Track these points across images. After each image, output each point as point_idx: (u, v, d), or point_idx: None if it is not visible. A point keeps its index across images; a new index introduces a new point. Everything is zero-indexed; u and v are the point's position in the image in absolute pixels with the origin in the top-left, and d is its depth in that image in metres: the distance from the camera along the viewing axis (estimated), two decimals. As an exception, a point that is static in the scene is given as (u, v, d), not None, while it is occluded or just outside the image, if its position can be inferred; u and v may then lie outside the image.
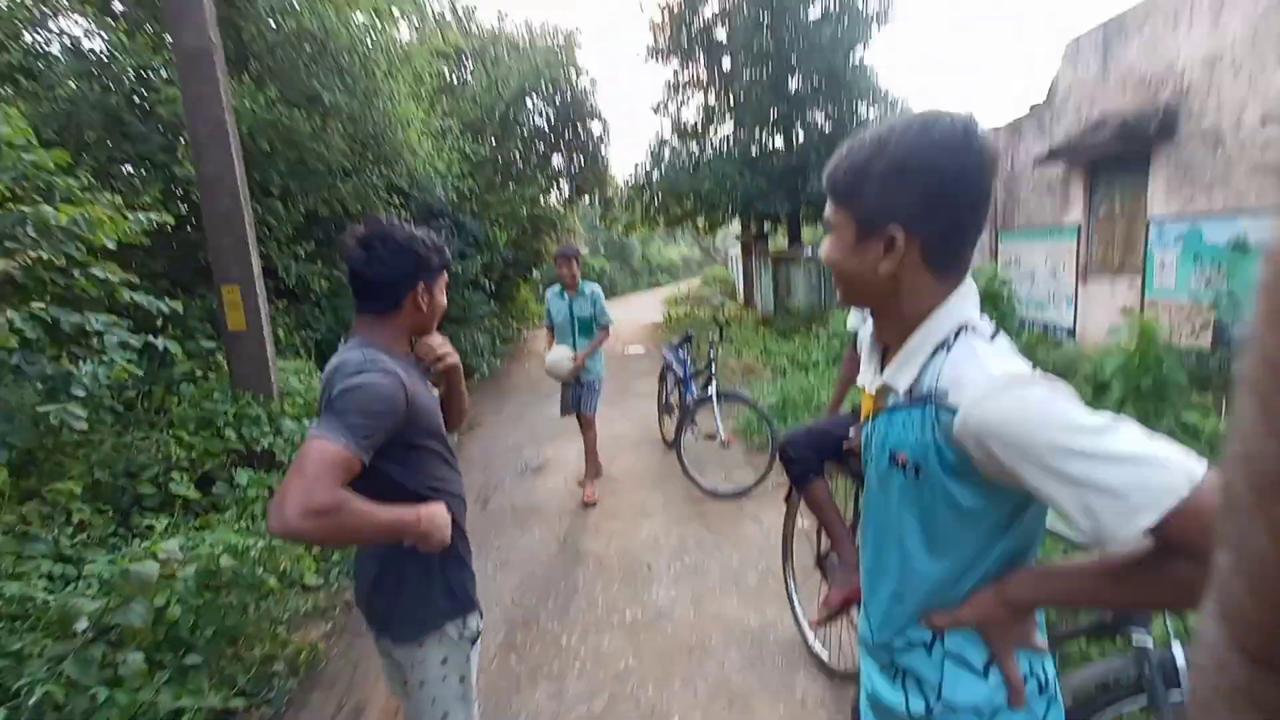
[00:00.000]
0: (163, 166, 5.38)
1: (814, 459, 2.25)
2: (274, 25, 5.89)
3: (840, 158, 0.86)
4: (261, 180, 5.65)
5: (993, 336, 0.82)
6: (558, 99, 13.76)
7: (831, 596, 2.16)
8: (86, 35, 5.61)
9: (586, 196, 15.62)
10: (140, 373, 3.42)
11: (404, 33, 9.47)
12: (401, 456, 1.31)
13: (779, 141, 12.61)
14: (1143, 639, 1.40)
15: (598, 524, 3.94)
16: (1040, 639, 0.86)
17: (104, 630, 2.14)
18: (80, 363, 2.99)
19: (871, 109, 11.89)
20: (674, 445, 4.59)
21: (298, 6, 5.90)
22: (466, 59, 13.26)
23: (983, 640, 0.85)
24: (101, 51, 5.47)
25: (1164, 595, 0.71)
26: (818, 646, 2.53)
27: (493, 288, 10.13)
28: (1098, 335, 6.30)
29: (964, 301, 0.84)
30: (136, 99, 5.48)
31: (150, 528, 3.02)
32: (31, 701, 1.82)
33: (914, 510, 0.85)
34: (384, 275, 1.34)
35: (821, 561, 2.50)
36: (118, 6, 5.78)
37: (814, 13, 11.52)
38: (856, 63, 11.69)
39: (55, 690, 1.85)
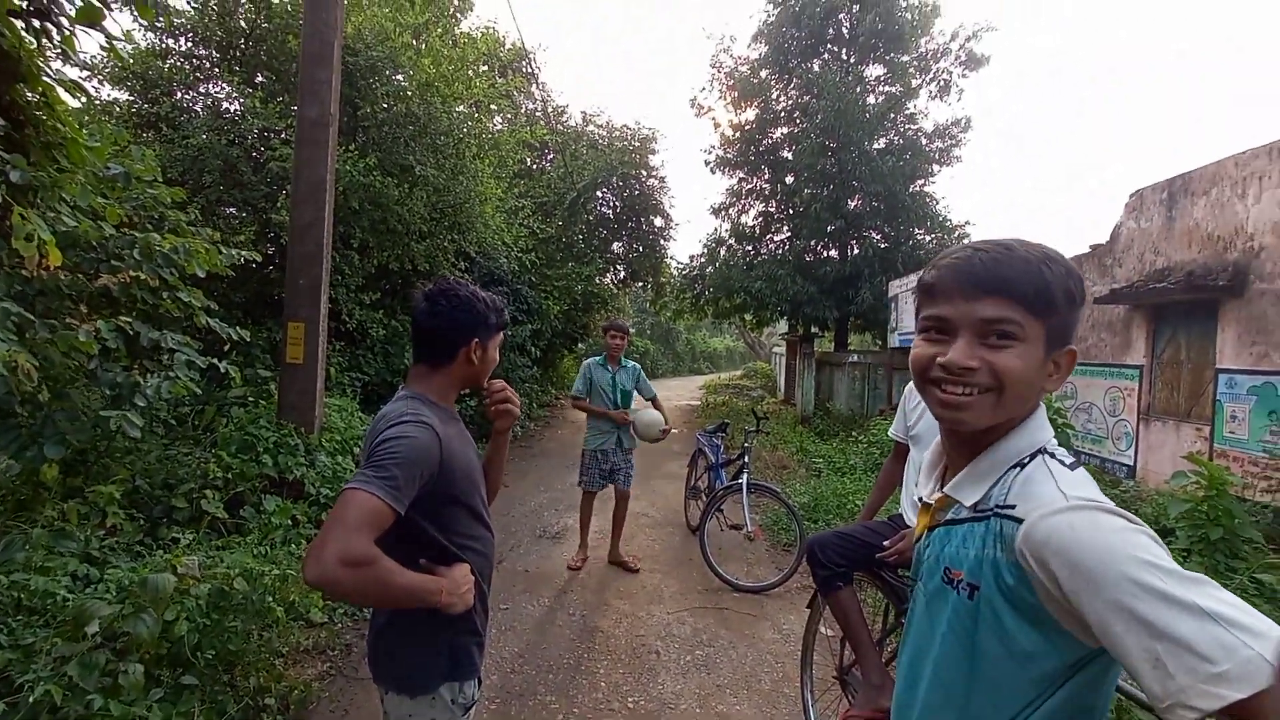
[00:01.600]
0: (261, 211, 5.95)
1: (844, 566, 2.16)
2: (385, 106, 6.61)
3: (1016, 264, 0.76)
4: (344, 233, 6.14)
5: (1074, 466, 0.76)
6: (626, 193, 14.64)
7: (851, 715, 2.00)
8: (227, 99, 6.43)
9: (640, 282, 16.16)
10: (199, 391, 3.60)
11: (497, 123, 10.43)
12: (433, 511, 1.31)
13: (833, 253, 12.95)
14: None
15: (608, 601, 3.79)
16: None
17: (112, 636, 2.15)
18: (148, 375, 3.17)
19: (929, 235, 12.17)
20: (697, 531, 4.45)
21: (410, 94, 6.63)
22: (549, 150, 14.39)
23: None
24: (235, 113, 6.24)
25: None
26: (831, 770, 2.31)
27: (538, 354, 10.40)
28: (1159, 478, 5.96)
29: (1043, 426, 0.81)
30: (254, 154, 6.16)
31: (175, 540, 3.08)
32: (31, 699, 1.82)
33: (962, 639, 0.77)
34: (442, 327, 1.41)
35: (843, 675, 2.34)
36: (259, 79, 6.65)
37: (879, 144, 12.15)
38: (916, 189, 12.12)
39: (55, 691, 1.84)
